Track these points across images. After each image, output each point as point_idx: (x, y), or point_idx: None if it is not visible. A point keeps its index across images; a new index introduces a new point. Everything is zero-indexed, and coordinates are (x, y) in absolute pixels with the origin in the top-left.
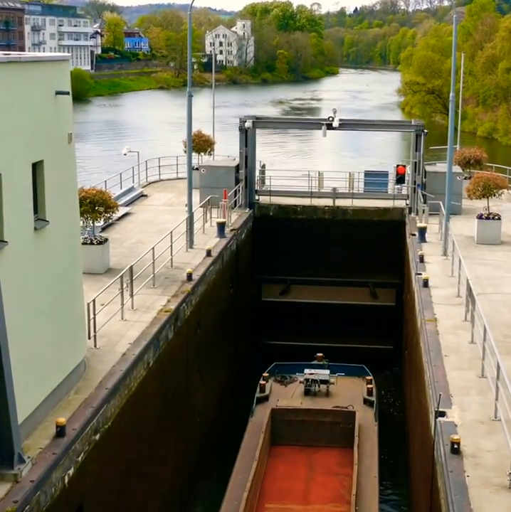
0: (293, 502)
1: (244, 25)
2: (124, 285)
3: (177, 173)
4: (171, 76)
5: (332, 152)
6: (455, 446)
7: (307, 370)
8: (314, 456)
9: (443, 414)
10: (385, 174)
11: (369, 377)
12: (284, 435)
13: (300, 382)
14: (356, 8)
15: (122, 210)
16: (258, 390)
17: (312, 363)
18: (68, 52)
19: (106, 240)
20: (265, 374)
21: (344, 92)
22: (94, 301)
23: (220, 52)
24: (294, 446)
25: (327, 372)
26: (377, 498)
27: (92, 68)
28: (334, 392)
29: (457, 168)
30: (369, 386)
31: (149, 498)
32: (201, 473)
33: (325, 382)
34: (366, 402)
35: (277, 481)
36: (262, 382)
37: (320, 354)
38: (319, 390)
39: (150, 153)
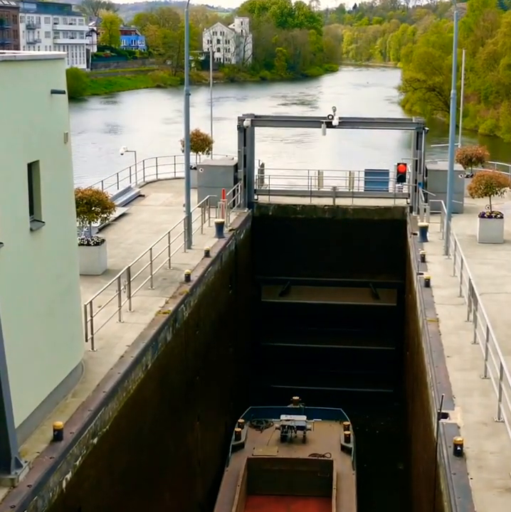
0: None
1: (242, 22)
2: (122, 286)
3: (175, 172)
4: (169, 74)
5: (331, 150)
6: (458, 448)
7: (283, 416)
8: (291, 506)
9: (445, 415)
10: (386, 173)
11: (346, 423)
12: (260, 485)
13: (276, 428)
14: (355, 5)
15: (119, 211)
16: (234, 437)
17: (288, 406)
18: (64, 50)
19: (103, 240)
20: (240, 420)
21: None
22: (91, 302)
23: (218, 49)
24: (271, 496)
25: (304, 417)
26: None
27: (87, 67)
28: (311, 439)
29: (458, 167)
30: (347, 432)
31: (149, 502)
32: (201, 477)
33: (302, 428)
34: (343, 449)
35: None
36: (237, 429)
37: (296, 397)
38: (296, 436)
39: (146, 153)
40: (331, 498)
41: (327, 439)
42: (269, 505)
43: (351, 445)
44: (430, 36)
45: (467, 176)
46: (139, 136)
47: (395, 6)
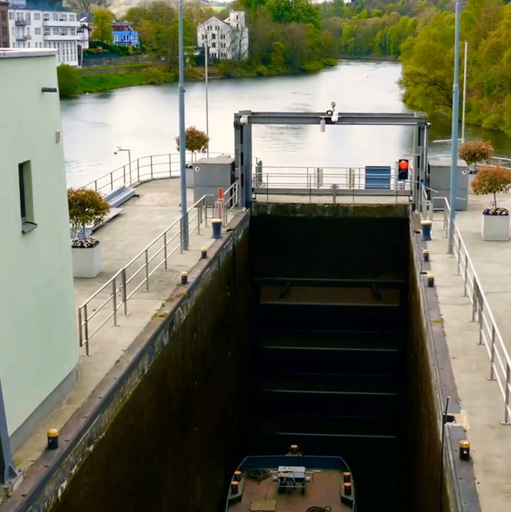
0: None
1: (238, 16)
2: (117, 289)
3: (170, 171)
4: (163, 71)
5: (328, 146)
6: (465, 452)
7: (281, 468)
8: None
9: (451, 418)
10: (387, 169)
11: (346, 473)
12: None
13: (274, 480)
14: None
15: (113, 211)
16: (230, 491)
17: (286, 455)
18: (54, 47)
19: (97, 242)
20: (237, 472)
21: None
22: (85, 306)
23: (213, 45)
24: None
25: (302, 469)
26: None
27: (79, 64)
28: (310, 491)
29: (462, 162)
30: (347, 484)
31: (146, 511)
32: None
33: (300, 480)
34: (344, 501)
35: None
36: (234, 482)
37: (294, 446)
38: (295, 488)
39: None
40: None
41: (327, 490)
42: None
43: (351, 497)
44: (431, 29)
45: (470, 172)
46: (132, 134)
47: None
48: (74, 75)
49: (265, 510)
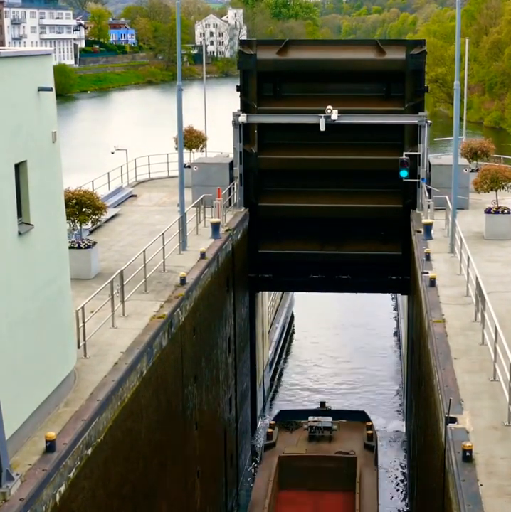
0: None
1: (235, 14)
2: (115, 291)
3: (168, 171)
4: (160, 69)
5: None
6: (467, 453)
7: (310, 418)
8: (319, 500)
9: (453, 420)
10: None
11: (369, 423)
12: (291, 480)
13: (305, 429)
14: None
15: (110, 212)
16: (266, 438)
17: (316, 408)
18: (50, 46)
19: (94, 243)
20: (272, 422)
21: None
22: (83, 308)
23: (211, 43)
24: (300, 491)
25: (330, 419)
26: None
27: (75, 62)
28: (336, 438)
29: (463, 161)
30: (369, 432)
31: None
32: (199, 487)
33: (328, 429)
34: (366, 447)
35: None
36: (269, 430)
37: (323, 401)
38: (323, 435)
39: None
40: (354, 492)
41: (351, 438)
42: (298, 499)
43: (373, 443)
44: (432, 25)
45: (472, 171)
46: (129, 135)
47: None
48: (70, 74)
49: (297, 453)
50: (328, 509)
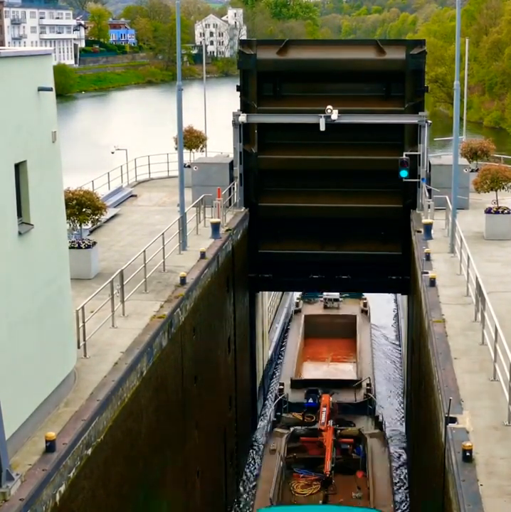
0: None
1: (235, 13)
2: (115, 290)
3: (168, 171)
4: (160, 69)
5: None
6: (467, 453)
7: (324, 294)
8: (331, 343)
9: (453, 420)
10: None
11: (364, 298)
12: (312, 332)
13: (321, 301)
14: None
15: (110, 212)
16: (295, 306)
17: (325, 294)
18: (50, 46)
19: (94, 243)
20: (298, 298)
21: None
22: (83, 308)
23: (211, 42)
24: (319, 338)
25: (337, 294)
26: (372, 368)
27: (75, 62)
28: (342, 306)
29: (463, 160)
30: (364, 301)
31: None
32: (199, 487)
33: (336, 300)
34: (362, 311)
35: (312, 357)
36: (296, 300)
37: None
38: (333, 305)
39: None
40: (355, 339)
41: (352, 306)
42: (317, 344)
43: (367, 308)
44: (432, 25)
45: (472, 170)
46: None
47: None
48: (70, 73)
49: (316, 313)
50: (337, 350)
